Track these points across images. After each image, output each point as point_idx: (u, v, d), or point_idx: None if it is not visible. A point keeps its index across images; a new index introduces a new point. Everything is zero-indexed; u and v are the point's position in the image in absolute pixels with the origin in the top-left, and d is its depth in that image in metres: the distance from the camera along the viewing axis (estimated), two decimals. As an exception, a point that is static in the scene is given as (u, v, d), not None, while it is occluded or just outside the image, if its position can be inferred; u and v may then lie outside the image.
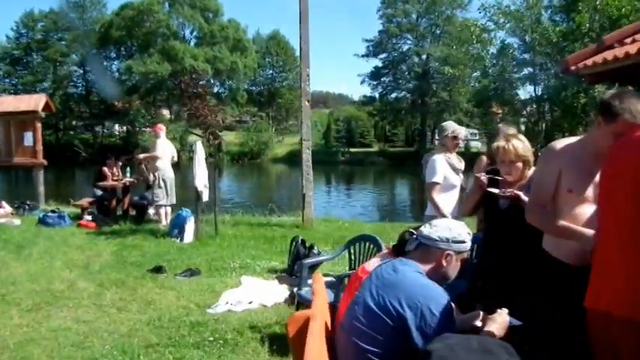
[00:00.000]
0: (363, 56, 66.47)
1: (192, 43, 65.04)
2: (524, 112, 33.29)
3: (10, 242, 10.33)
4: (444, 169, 5.73)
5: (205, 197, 10.67)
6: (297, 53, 51.12)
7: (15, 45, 68.91)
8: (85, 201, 13.45)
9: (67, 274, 8.16)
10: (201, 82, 11.54)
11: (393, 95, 67.39)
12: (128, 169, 14.07)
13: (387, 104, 66.74)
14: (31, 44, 68.79)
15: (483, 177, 4.53)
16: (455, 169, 5.91)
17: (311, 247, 8.47)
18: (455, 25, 60.94)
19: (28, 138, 15.33)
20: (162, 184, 11.92)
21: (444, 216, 5.27)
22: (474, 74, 61.37)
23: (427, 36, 64.26)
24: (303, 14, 12.04)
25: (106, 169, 13.58)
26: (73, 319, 6.22)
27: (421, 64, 62.99)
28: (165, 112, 69.24)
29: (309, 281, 6.31)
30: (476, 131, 63.58)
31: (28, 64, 68.66)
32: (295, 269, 8.16)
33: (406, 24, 63.54)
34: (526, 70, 28.90)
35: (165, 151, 12.11)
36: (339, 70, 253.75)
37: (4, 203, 14.62)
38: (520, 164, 4.31)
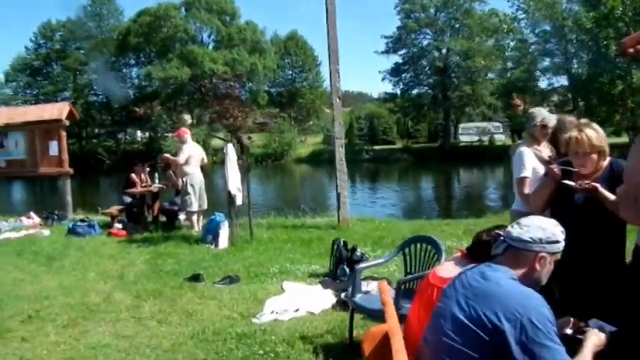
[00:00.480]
0: (382, 53, 65.80)
1: (210, 47, 64.82)
2: (552, 101, 32.72)
3: (40, 254, 10.07)
4: (533, 162, 5.23)
5: (239, 201, 10.33)
6: (316, 53, 50.55)
7: (34, 56, 69.27)
8: (114, 209, 13.16)
9: (101, 285, 7.86)
10: (230, 83, 11.13)
11: (415, 91, 66.65)
12: (156, 174, 13.81)
13: (408, 100, 66.03)
14: (50, 54, 69.04)
15: (557, 168, 4.17)
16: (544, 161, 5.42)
17: (353, 249, 8.12)
18: (474, 18, 60.40)
19: (53, 147, 15.08)
20: (190, 189, 11.61)
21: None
22: (498, 66, 61.45)
23: (446, 30, 63.45)
24: (330, 10, 11.65)
25: (134, 175, 13.31)
26: (112, 335, 5.90)
27: (442, 59, 62.18)
28: (187, 117, 69.13)
29: (364, 287, 5.95)
30: (499, 124, 63.04)
31: (48, 74, 68.97)
32: (338, 273, 7.82)
33: (425, 19, 62.75)
34: (557, 59, 28.26)
35: (192, 155, 11.79)
36: (357, 68, 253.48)
37: (32, 214, 14.42)
38: (595, 155, 4.00)
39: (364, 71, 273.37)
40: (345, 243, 8.18)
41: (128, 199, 13.24)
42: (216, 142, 64.88)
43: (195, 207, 11.70)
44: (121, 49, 65.90)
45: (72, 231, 12.00)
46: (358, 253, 8.07)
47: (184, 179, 11.65)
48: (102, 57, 67.74)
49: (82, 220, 12.42)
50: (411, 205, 28.83)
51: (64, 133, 15.11)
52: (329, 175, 53.40)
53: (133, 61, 70.39)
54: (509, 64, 58.14)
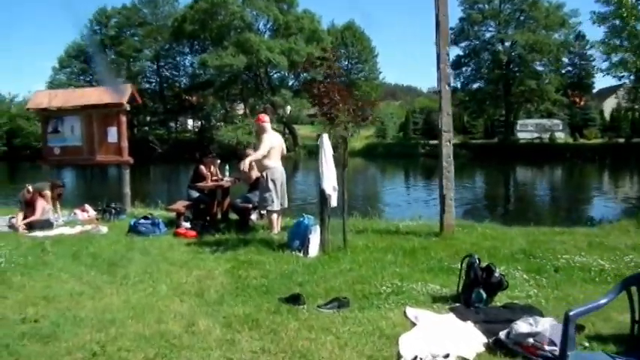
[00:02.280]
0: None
1: (266, 36, 63.42)
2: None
3: (100, 258, 8.62)
4: None
5: (334, 202, 8.71)
6: (373, 44, 48.95)
7: (89, 42, 68.90)
8: (180, 205, 11.60)
9: (178, 305, 6.30)
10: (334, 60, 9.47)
11: (476, 85, 64.59)
12: (227, 167, 12.30)
13: (469, 94, 63.95)
14: (104, 41, 68.80)
15: None
16: None
17: (488, 269, 6.40)
18: (540, 10, 57.96)
19: (112, 134, 13.69)
20: (271, 185, 10.06)
21: None
22: (566, 60, 59.12)
23: (511, 22, 61.04)
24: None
25: (203, 168, 11.81)
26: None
27: (506, 52, 59.76)
28: (240, 107, 68.34)
29: (528, 326, 4.39)
30: (559, 121, 60.69)
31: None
32: (473, 298, 6.17)
33: (489, 10, 60.50)
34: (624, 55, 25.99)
35: (274, 145, 10.23)
36: (405, 61, 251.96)
37: (87, 207, 13.05)
38: None
39: (415, 65, 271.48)
40: (479, 261, 6.51)
41: (195, 194, 11.76)
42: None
43: (276, 205, 10.15)
44: (175, 37, 65.43)
45: (134, 229, 10.55)
46: (497, 275, 6.36)
47: (265, 174, 10.10)
48: (156, 44, 67.22)
49: (145, 217, 10.90)
50: (491, 205, 26.89)
51: (124, 119, 13.71)
52: (386, 170, 52.20)
53: (187, 49, 69.64)
54: (573, 60, 56.11)
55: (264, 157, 10.06)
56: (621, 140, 55.86)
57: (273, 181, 10.09)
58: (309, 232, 8.80)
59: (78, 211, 12.91)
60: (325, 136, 8.74)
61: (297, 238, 8.91)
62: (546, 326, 4.79)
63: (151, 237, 10.24)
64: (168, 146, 64.12)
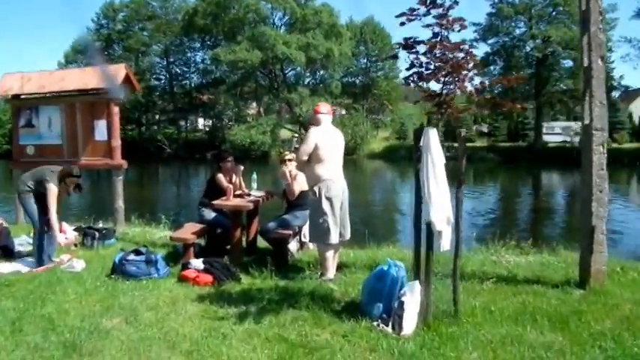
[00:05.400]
0: (471, 42, 59.91)
1: (282, 30, 59.89)
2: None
3: (56, 331, 5.25)
4: None
5: (446, 244, 5.21)
6: (394, 40, 45.31)
7: (96, 36, 66.10)
8: (188, 231, 8.06)
9: None
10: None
11: (504, 85, 60.90)
12: (254, 175, 8.84)
13: (498, 95, 60.32)
14: (111, 35, 65.96)
15: None
16: None
17: None
18: (575, 5, 54.26)
19: (101, 129, 10.32)
20: (326, 206, 6.68)
21: None
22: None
23: (544, 17, 57.15)
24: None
25: (221, 177, 8.39)
26: None
27: (540, 49, 55.79)
28: (253, 106, 65.32)
29: None
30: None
31: (110, 56, 65.43)
32: None
33: (520, 5, 56.65)
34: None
35: (325, 146, 6.82)
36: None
37: (65, 226, 9.61)
38: None
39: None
40: None
41: (210, 214, 8.35)
42: (286, 134, 60.87)
43: (333, 238, 6.73)
44: (186, 31, 62.41)
45: (119, 269, 7.07)
46: None
47: (316, 188, 6.71)
48: (166, 39, 64.26)
49: (137, 252, 7.36)
50: (547, 221, 22.56)
51: (116, 109, 10.30)
52: (409, 175, 48.13)
53: (197, 44, 66.52)
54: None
55: (316, 161, 6.68)
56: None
57: (329, 200, 6.71)
58: (399, 291, 5.37)
59: (52, 233, 9.49)
60: (433, 133, 5.26)
61: (380, 299, 5.42)
62: None
63: (144, 282, 6.81)
64: (177, 146, 61.06)
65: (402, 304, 5.22)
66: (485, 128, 70.48)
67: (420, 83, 5.32)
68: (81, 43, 63.04)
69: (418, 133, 5.38)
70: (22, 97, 10.90)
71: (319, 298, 6.02)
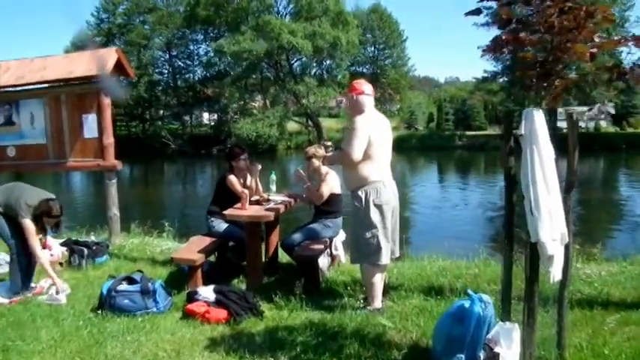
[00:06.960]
0: (482, 25, 57.80)
1: (287, 19, 58.08)
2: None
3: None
4: None
5: (557, 272, 3.65)
6: (402, 27, 43.32)
7: (96, 31, 64.28)
8: (194, 249, 6.45)
9: None
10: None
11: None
12: (273, 176, 7.30)
13: (511, 82, 58.38)
14: (112, 29, 64.15)
15: None
16: None
17: None
18: (594, -25, 52.43)
19: (90, 125, 8.75)
20: (375, 215, 5.17)
21: None
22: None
23: (558, -5, 55.13)
24: None
25: (233, 179, 6.84)
26: None
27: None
28: (258, 99, 63.82)
29: None
30: (606, 109, 55.60)
31: (111, 52, 64.03)
32: None
33: (533, -19, 54.68)
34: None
35: (377, 140, 5.33)
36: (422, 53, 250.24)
37: (50, 240, 8.07)
38: None
39: (431, 56, 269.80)
40: None
41: (222, 225, 6.83)
42: (291, 126, 59.39)
43: (384, 257, 5.22)
44: (188, 23, 60.56)
45: (108, 302, 5.54)
46: None
47: (361, 192, 5.19)
48: (168, 31, 62.68)
49: (131, 280, 5.79)
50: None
51: (107, 101, 8.75)
52: (421, 166, 46.69)
53: (200, 36, 64.91)
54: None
55: (363, 159, 5.22)
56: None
57: (379, 208, 5.21)
58: (484, 325, 3.86)
59: (35, 249, 7.97)
60: (539, 117, 3.73)
61: (461, 348, 3.87)
62: None
63: (139, 319, 5.31)
64: (182, 141, 59.48)
65: (495, 356, 3.70)
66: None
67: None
68: (81, 39, 61.71)
69: (510, 117, 3.87)
70: (0, 90, 9.37)
71: (370, 341, 4.53)
